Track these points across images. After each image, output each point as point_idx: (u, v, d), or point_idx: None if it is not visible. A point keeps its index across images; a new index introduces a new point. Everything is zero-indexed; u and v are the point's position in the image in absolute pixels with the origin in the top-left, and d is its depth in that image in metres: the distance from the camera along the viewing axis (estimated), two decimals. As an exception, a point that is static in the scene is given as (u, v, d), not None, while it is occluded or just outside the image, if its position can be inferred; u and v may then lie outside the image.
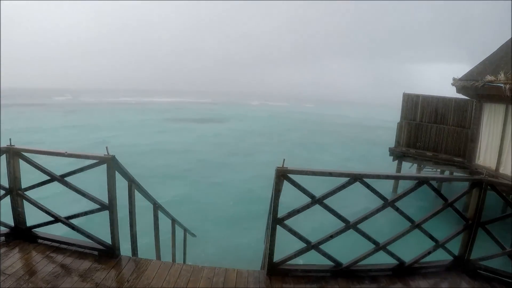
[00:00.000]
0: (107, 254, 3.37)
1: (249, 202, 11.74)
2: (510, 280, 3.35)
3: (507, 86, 8.78)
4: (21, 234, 3.61)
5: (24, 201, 3.59)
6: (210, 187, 14.42)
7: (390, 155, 13.67)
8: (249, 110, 60.75)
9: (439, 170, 13.37)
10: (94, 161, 3.24)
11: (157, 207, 3.96)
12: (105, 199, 3.28)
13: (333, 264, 3.27)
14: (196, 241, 6.34)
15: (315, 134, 33.20)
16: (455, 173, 12.36)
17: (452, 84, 11.43)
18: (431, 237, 3.48)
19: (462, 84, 10.93)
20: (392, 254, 3.36)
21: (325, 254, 3.24)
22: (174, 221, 4.62)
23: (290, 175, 3.00)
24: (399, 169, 13.48)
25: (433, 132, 12.79)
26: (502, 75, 9.09)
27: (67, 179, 3.41)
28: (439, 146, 12.68)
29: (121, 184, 3.43)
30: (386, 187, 11.66)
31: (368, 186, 3.13)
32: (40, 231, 3.65)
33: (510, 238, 5.38)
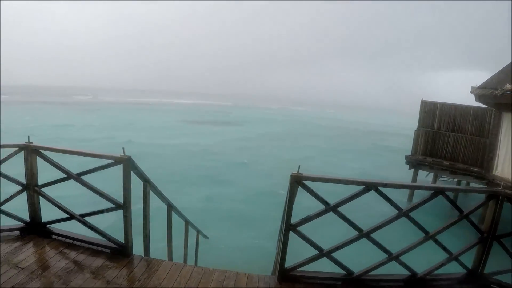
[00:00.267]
0: (120, 252, 3.41)
1: (265, 207, 11.80)
2: (525, 297, 3.28)
3: (527, 95, 8.60)
4: (36, 230, 3.68)
5: (40, 198, 3.65)
6: (228, 190, 14.59)
7: (406, 163, 13.50)
8: (269, 114, 61.49)
9: (455, 179, 13.14)
10: (110, 161, 3.28)
11: (171, 208, 3.99)
12: (120, 198, 3.31)
13: (344, 272, 3.25)
14: (208, 243, 6.37)
15: (337, 140, 33.26)
16: (471, 184, 12.15)
17: (471, 92, 11.23)
18: (445, 249, 3.43)
19: (480, 92, 10.70)
20: (404, 265, 3.32)
21: (337, 262, 3.21)
22: (187, 222, 4.65)
23: (305, 182, 2.98)
24: (415, 177, 13.30)
25: (450, 141, 12.58)
26: (522, 84, 8.91)
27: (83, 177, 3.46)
28: (456, 156, 12.46)
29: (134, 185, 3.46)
30: (401, 196, 11.56)
31: (382, 195, 3.10)
32: (54, 227, 3.70)
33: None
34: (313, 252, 3.22)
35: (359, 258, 3.80)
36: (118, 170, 3.27)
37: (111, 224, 3.67)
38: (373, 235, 3.21)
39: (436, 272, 3.44)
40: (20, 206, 3.67)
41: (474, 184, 11.80)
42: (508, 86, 9.27)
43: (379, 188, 3.07)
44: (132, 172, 3.28)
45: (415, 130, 13.50)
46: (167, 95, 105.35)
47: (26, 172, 3.58)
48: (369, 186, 3.05)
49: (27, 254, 3.32)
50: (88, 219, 3.54)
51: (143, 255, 3.49)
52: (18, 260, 3.18)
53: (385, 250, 3.28)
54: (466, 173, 12.03)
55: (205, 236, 5.69)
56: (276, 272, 3.21)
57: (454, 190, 6.12)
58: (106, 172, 3.42)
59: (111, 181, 3.67)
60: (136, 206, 3.42)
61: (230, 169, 18.38)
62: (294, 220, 3.07)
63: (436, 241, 3.35)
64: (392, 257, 3.28)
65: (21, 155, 3.55)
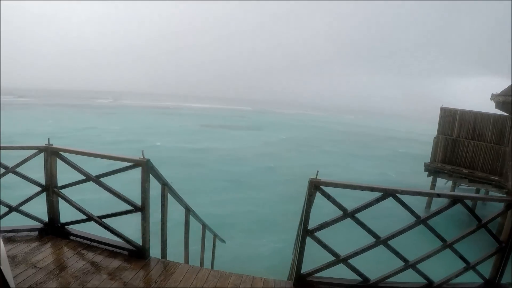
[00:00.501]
0: (137, 254, 3.44)
1: (284, 212, 11.80)
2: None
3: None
4: (54, 230, 3.73)
5: (59, 199, 3.70)
6: (254, 194, 14.81)
7: (425, 170, 13.39)
8: (288, 119, 61.89)
9: (474, 188, 12.97)
10: (129, 163, 3.32)
11: (188, 211, 4.01)
12: (138, 201, 3.35)
13: (360, 279, 3.23)
14: (225, 246, 6.40)
15: (356, 146, 33.35)
16: (490, 192, 11.97)
17: (491, 99, 11.09)
18: (462, 258, 3.39)
19: (501, 100, 10.57)
20: (421, 273, 3.29)
21: (353, 269, 3.20)
22: (204, 226, 4.67)
23: (323, 187, 2.98)
24: (433, 185, 13.18)
25: (469, 148, 12.42)
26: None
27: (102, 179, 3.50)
28: (475, 164, 12.29)
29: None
30: (418, 203, 11.53)
31: (400, 202, 3.08)
32: (72, 228, 3.75)
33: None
34: (329, 257, 3.21)
35: (375, 265, 3.78)
36: (137, 173, 3.31)
37: (128, 226, 3.69)
38: (389, 242, 3.19)
39: (452, 281, 3.40)
40: (39, 207, 3.73)
41: (493, 193, 11.60)
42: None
43: (397, 195, 3.05)
44: (150, 175, 3.32)
45: (434, 137, 13.39)
46: (186, 99, 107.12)
47: (46, 173, 3.64)
48: (387, 193, 3.03)
49: (45, 254, 3.37)
50: (106, 220, 3.58)
51: (160, 258, 3.52)
52: (36, 260, 3.23)
53: (402, 258, 3.25)
54: (485, 182, 11.85)
55: (222, 240, 5.70)
56: (292, 277, 3.21)
57: (472, 198, 6.01)
58: (124, 174, 3.47)
59: (129, 184, 3.69)
60: (153, 209, 3.45)
61: (257, 174, 18.66)
62: (311, 225, 3.07)
63: (454, 250, 3.32)
64: (409, 265, 3.25)
65: (41, 157, 3.62)
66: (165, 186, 3.47)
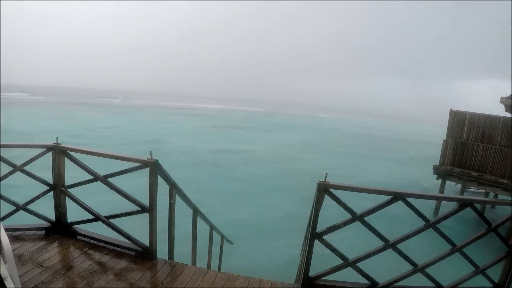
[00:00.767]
0: (144, 255, 3.43)
1: (293, 214, 11.82)
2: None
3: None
4: (61, 229, 3.74)
5: (67, 198, 3.71)
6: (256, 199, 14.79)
7: (434, 173, 13.34)
8: (300, 121, 62.06)
9: (483, 191, 12.88)
10: (137, 164, 3.31)
11: (196, 212, 4.00)
12: (145, 201, 3.34)
13: (369, 283, 3.20)
14: (233, 248, 6.42)
15: (367, 148, 33.42)
16: (499, 196, 11.91)
17: (501, 102, 11.03)
18: (471, 262, 3.35)
19: (510, 103, 10.53)
20: (430, 277, 3.26)
21: (361, 272, 3.17)
22: (212, 227, 4.66)
23: (332, 190, 2.96)
24: (442, 188, 13.15)
25: (479, 151, 12.34)
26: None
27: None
28: (484, 167, 12.22)
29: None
30: (427, 205, 11.47)
31: (410, 206, 3.06)
32: (79, 227, 3.75)
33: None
34: (336, 259, 3.19)
35: (382, 268, 3.75)
36: (145, 173, 3.31)
37: (135, 226, 3.69)
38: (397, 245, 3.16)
39: (462, 285, 3.37)
40: (46, 206, 3.74)
41: (502, 196, 11.53)
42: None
43: (406, 198, 3.03)
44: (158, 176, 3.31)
45: (443, 140, 13.33)
46: (197, 100, 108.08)
47: (54, 172, 3.65)
48: (396, 196, 3.00)
49: (52, 253, 3.37)
50: (113, 221, 3.58)
51: (167, 259, 3.51)
52: (42, 259, 3.23)
53: (410, 262, 3.23)
54: (494, 185, 11.78)
55: (230, 242, 5.69)
56: (300, 281, 3.19)
57: (482, 202, 5.97)
58: (132, 174, 3.46)
59: (136, 184, 3.69)
60: (161, 210, 3.45)
61: (269, 175, 18.73)
62: (319, 228, 3.05)
63: (463, 254, 3.29)
64: (418, 269, 3.22)
65: (49, 156, 3.62)
66: (173, 187, 3.46)
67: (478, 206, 3.64)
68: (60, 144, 3.60)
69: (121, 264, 3.30)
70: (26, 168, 3.63)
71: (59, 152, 3.59)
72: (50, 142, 3.62)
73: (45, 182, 3.70)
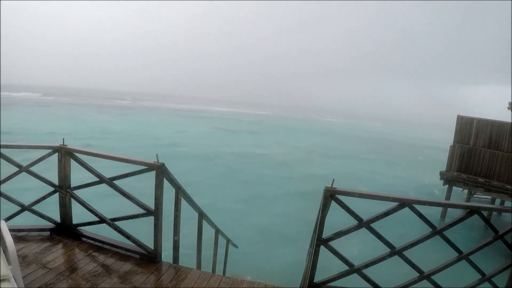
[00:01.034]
0: (149, 258, 3.42)
1: (300, 220, 11.81)
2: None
3: None
4: (66, 231, 3.73)
5: (72, 200, 3.70)
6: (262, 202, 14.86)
7: (440, 179, 13.31)
8: (305, 125, 61.92)
9: (489, 197, 12.83)
10: (143, 167, 3.30)
11: (202, 216, 3.99)
12: (151, 204, 3.33)
13: (374, 289, 3.18)
14: (238, 252, 6.42)
15: (375, 153, 33.46)
16: (506, 202, 11.87)
17: (508, 108, 10.98)
18: (478, 270, 3.33)
19: None
20: (436, 285, 3.23)
21: (367, 279, 3.15)
22: (217, 231, 4.65)
23: (339, 196, 2.95)
24: (449, 194, 13.11)
25: (486, 157, 12.28)
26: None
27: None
28: (491, 173, 12.17)
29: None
30: (433, 212, 11.47)
31: (417, 212, 3.04)
32: (84, 229, 3.75)
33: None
34: (341, 265, 3.17)
35: (387, 274, 3.73)
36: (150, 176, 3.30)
37: (140, 229, 3.68)
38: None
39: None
40: (51, 207, 3.74)
41: (509, 203, 11.46)
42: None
43: (413, 205, 3.01)
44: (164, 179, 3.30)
45: (450, 146, 13.30)
46: (206, 103, 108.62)
47: (59, 174, 3.64)
48: (403, 203, 2.99)
49: (56, 255, 3.36)
50: (118, 223, 3.57)
51: (171, 262, 3.50)
52: (46, 261, 3.22)
53: (417, 269, 3.20)
54: (501, 191, 11.72)
55: (235, 245, 5.68)
56: (305, 286, 3.17)
57: (490, 209, 5.94)
58: (137, 177, 3.45)
59: (141, 187, 3.68)
60: (166, 213, 3.44)
61: (276, 181, 18.72)
62: (325, 234, 3.03)
63: (469, 261, 3.26)
64: (424, 276, 3.20)
65: (54, 157, 3.62)
66: (179, 190, 3.45)
67: (485, 213, 3.62)
68: (66, 145, 3.60)
69: (126, 267, 3.29)
70: (32, 168, 3.64)
71: (65, 154, 3.59)
72: (57, 143, 3.62)
73: (50, 183, 3.70)
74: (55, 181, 3.69)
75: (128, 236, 3.55)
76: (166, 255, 3.50)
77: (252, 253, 9.32)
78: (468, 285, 3.34)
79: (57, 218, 3.76)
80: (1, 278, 1.92)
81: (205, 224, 4.09)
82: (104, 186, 3.55)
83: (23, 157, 3.60)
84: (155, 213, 3.33)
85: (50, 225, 3.77)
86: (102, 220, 3.60)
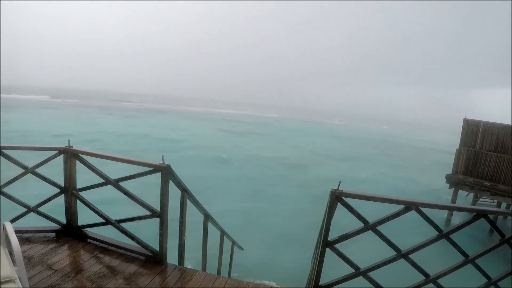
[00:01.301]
0: (154, 260, 3.42)
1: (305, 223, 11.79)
2: None
3: None
4: (72, 232, 3.74)
5: (77, 201, 3.71)
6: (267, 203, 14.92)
7: (446, 182, 13.25)
8: (308, 127, 62.37)
9: (495, 201, 12.76)
10: (149, 168, 3.31)
11: (207, 218, 4.00)
12: (156, 206, 3.34)
13: (380, 292, 3.17)
14: (243, 254, 6.42)
15: (381, 156, 33.70)
16: None
17: None
18: (484, 273, 3.31)
19: None
20: (442, 288, 3.22)
21: (373, 282, 3.14)
22: (223, 233, 4.65)
23: (345, 198, 2.94)
24: (455, 197, 13.05)
25: (492, 161, 12.21)
26: None
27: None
28: (498, 176, 12.08)
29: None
30: (439, 214, 11.44)
31: (423, 215, 3.02)
32: (90, 231, 3.75)
33: None
34: (346, 267, 3.16)
35: (392, 277, 3.71)
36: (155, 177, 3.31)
37: (146, 231, 3.68)
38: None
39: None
40: (57, 209, 3.75)
41: None
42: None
43: (419, 208, 3.00)
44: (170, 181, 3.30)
45: (456, 149, 13.25)
46: (209, 104, 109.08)
47: (65, 175, 3.66)
48: (409, 206, 2.98)
49: (62, 256, 3.37)
50: (123, 225, 3.58)
51: (177, 264, 3.50)
52: (52, 262, 3.23)
53: (423, 272, 3.19)
54: (507, 195, 11.62)
55: (240, 247, 5.68)
56: (311, 288, 3.16)
57: (496, 213, 5.90)
58: (143, 178, 3.46)
59: (148, 189, 3.70)
60: (171, 215, 3.44)
61: (281, 183, 18.81)
62: (331, 236, 3.03)
63: (475, 265, 3.24)
64: (430, 279, 3.19)
65: (60, 159, 3.64)
66: (185, 192, 3.45)
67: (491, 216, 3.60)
68: (72, 147, 3.61)
69: (131, 269, 3.30)
70: (38, 170, 3.65)
71: (70, 155, 3.60)
72: (62, 144, 3.63)
73: (56, 185, 3.71)
74: (61, 182, 3.70)
75: (133, 238, 3.55)
76: (172, 256, 3.49)
77: (259, 254, 9.29)
78: (473, 289, 3.33)
79: (63, 220, 3.77)
80: (7, 279, 1.93)
81: (210, 226, 4.09)
82: (109, 192, 3.55)
83: (29, 158, 3.61)
84: (161, 214, 3.33)
85: (55, 226, 3.78)
86: (107, 222, 3.60)
